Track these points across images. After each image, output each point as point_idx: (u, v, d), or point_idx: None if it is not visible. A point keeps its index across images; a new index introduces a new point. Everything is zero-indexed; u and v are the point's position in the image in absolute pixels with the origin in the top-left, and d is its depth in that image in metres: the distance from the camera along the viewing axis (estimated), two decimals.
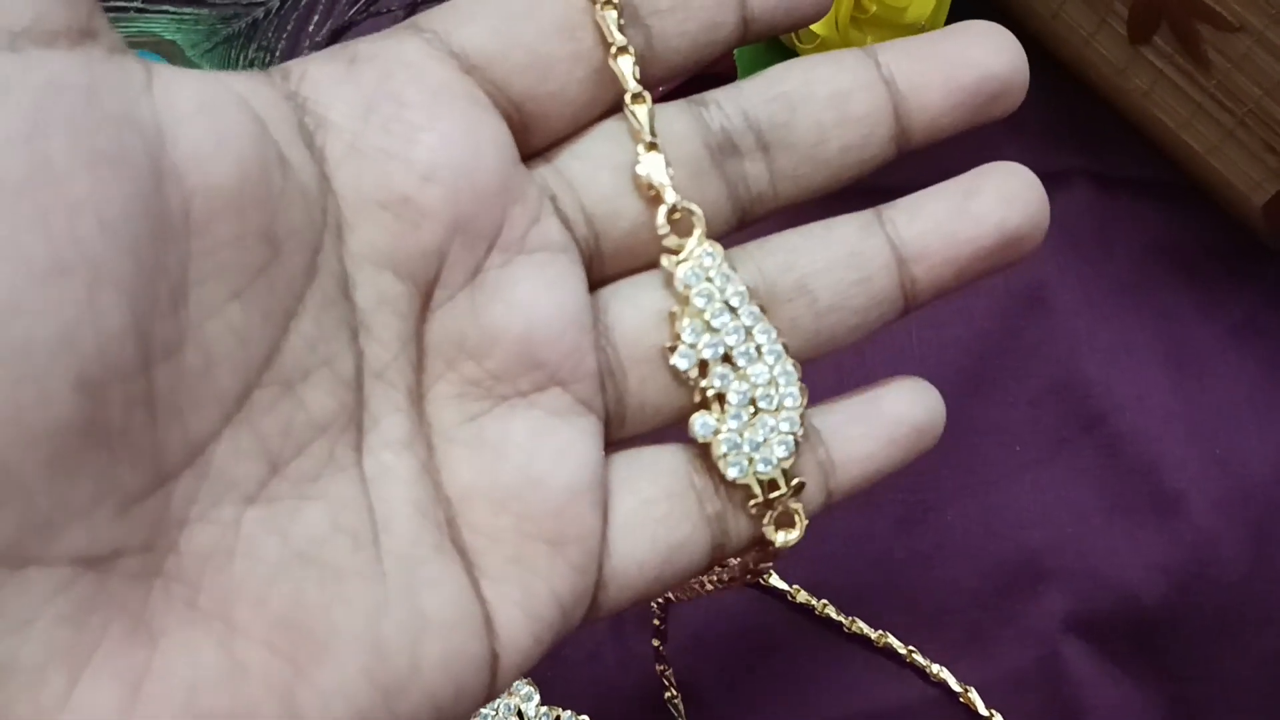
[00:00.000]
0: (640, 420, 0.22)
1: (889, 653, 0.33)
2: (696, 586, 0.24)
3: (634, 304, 0.22)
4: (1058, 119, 0.38)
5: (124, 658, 0.16)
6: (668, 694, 0.32)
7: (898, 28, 0.34)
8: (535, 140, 0.21)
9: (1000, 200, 0.22)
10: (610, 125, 0.22)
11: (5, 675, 0.15)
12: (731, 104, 0.22)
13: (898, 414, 0.22)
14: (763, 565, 0.23)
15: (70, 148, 0.16)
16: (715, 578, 0.24)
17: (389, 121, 0.20)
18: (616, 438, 0.21)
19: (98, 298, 0.15)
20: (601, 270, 0.22)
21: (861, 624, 0.33)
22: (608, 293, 0.22)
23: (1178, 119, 0.34)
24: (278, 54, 0.39)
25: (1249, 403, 0.34)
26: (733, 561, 0.23)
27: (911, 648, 0.32)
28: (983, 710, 0.32)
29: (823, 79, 0.22)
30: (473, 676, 0.19)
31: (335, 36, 0.39)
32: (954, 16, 0.35)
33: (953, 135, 0.22)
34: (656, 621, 0.31)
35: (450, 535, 0.20)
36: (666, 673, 0.32)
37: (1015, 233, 0.22)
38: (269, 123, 0.19)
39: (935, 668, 0.32)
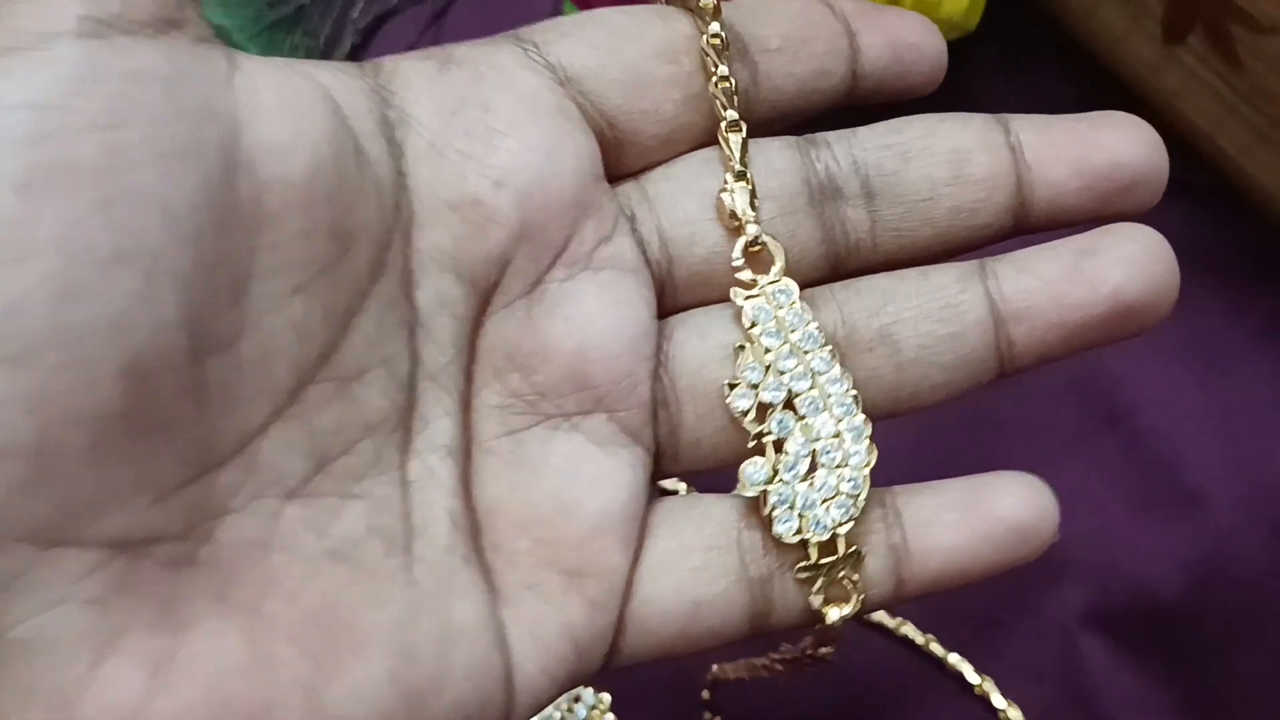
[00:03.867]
0: (694, 457, 0.21)
1: (907, 641, 0.33)
2: (758, 666, 0.23)
3: (701, 335, 0.21)
4: None
5: (149, 643, 0.16)
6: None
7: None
8: (628, 160, 0.21)
9: (1119, 263, 0.20)
10: (706, 153, 0.21)
11: (32, 653, 0.15)
12: (842, 147, 0.21)
13: (999, 510, 0.20)
14: (823, 649, 0.21)
15: (145, 139, 0.16)
16: (777, 658, 0.22)
17: (472, 124, 0.19)
18: (671, 471, 0.21)
19: (153, 288, 0.16)
20: (674, 298, 0.21)
21: (881, 612, 0.33)
22: (677, 320, 0.21)
23: (1209, 120, 0.34)
24: (322, 40, 0.40)
25: (1273, 403, 0.34)
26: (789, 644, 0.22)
27: (930, 636, 0.33)
28: (999, 702, 0.32)
29: (944, 134, 0.21)
30: (496, 695, 0.19)
31: (379, 23, 0.40)
32: (989, 15, 0.35)
33: (1080, 222, 0.21)
34: (706, 695, 0.32)
35: (476, 548, 0.19)
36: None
37: (1133, 302, 0.20)
38: (350, 115, 0.18)
39: (953, 658, 0.32)
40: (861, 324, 0.20)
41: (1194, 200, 0.37)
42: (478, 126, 0.19)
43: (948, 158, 0.21)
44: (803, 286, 0.21)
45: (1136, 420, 0.34)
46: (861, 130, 0.21)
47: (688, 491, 0.34)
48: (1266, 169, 0.33)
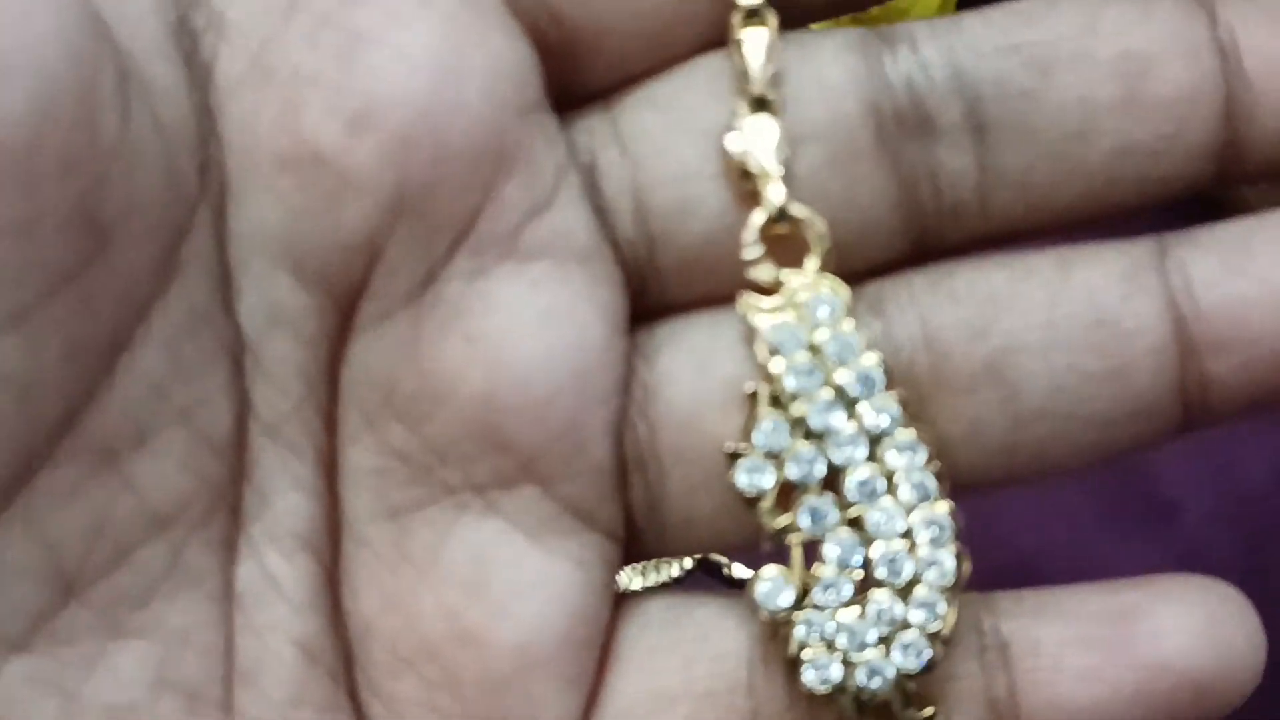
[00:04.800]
0: (685, 541, 0.15)
1: None
2: None
3: (698, 363, 0.14)
4: None
5: None
6: None
7: None
8: (590, 74, 0.14)
9: None
10: (715, 62, 0.14)
11: None
12: (937, 46, 0.14)
13: (1161, 650, 0.14)
14: None
15: None
16: None
17: (321, 25, 0.13)
18: (654, 553, 0.15)
19: None
20: (660, 293, 0.14)
21: None
22: (665, 334, 0.15)
23: None
24: None
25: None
26: None
27: None
28: None
29: (1111, 26, 0.14)
30: None
31: None
32: None
33: None
34: None
35: (347, 689, 0.14)
36: None
37: None
38: (118, 18, 0.12)
39: None
40: (959, 349, 0.14)
41: (1181, 216, 0.37)
42: (329, 28, 0.13)
43: (1116, 67, 0.13)
44: (866, 278, 0.14)
45: None
46: (969, 18, 0.14)
47: None
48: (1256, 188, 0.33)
